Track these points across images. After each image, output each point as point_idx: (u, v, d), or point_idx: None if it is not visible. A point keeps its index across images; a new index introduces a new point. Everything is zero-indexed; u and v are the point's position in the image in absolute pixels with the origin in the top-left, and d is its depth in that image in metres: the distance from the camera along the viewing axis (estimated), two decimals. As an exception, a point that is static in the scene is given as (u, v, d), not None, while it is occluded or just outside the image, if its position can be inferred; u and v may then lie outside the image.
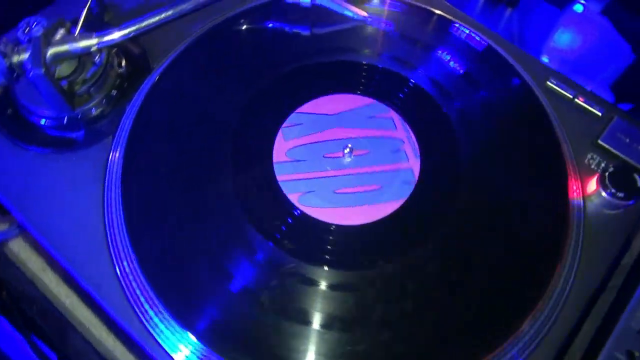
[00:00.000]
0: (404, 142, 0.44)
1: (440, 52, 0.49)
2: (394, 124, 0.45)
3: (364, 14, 0.50)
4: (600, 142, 0.44)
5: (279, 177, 0.43)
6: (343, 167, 0.44)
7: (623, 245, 0.41)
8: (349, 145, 0.44)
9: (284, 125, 0.46)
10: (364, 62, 0.49)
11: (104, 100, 0.45)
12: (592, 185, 0.42)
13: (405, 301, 0.38)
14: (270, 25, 0.51)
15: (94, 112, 0.45)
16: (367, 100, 0.47)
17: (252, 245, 0.39)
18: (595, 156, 0.44)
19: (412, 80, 0.47)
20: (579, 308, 0.38)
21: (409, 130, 0.45)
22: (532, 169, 0.43)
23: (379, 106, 0.46)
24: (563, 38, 0.66)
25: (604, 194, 0.41)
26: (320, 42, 0.50)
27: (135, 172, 0.42)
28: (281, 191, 0.42)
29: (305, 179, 0.43)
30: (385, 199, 0.42)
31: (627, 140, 0.44)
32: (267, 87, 0.47)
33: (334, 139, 0.45)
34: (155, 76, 0.47)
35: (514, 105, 0.46)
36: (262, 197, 0.42)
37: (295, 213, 0.41)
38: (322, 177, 0.43)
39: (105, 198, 0.42)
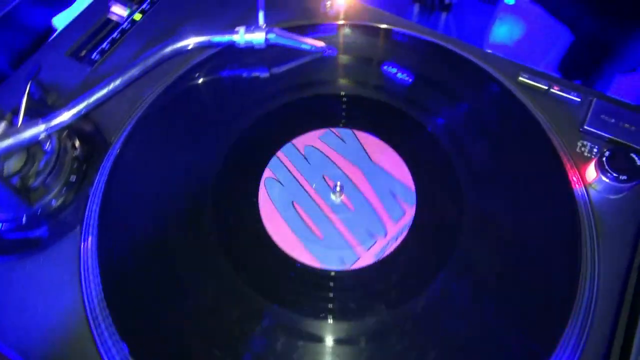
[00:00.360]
0: (385, 237, 0.39)
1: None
2: (401, 217, 0.40)
3: (321, 44, 0.48)
4: (586, 127, 0.43)
5: (278, 153, 0.44)
6: (323, 196, 0.42)
7: (638, 229, 0.39)
8: (340, 185, 0.41)
9: (333, 128, 0.45)
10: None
11: (64, 189, 0.41)
12: (592, 173, 0.40)
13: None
14: (227, 72, 0.48)
15: (55, 203, 0.41)
16: (409, 182, 0.42)
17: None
18: (585, 143, 0.43)
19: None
20: (612, 304, 0.36)
21: (403, 235, 0.39)
22: (528, 172, 0.41)
23: (410, 193, 0.41)
24: (501, 31, 0.67)
25: (605, 179, 0.39)
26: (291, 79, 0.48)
27: (113, 259, 0.39)
28: (266, 164, 0.43)
29: (291, 172, 0.43)
30: (311, 249, 0.39)
31: (612, 120, 0.43)
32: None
33: (344, 174, 0.43)
34: (114, 151, 0.44)
35: (497, 112, 0.45)
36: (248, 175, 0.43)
37: (255, 182, 0.42)
38: (301, 185, 0.42)
39: (85, 294, 0.37)
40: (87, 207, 0.41)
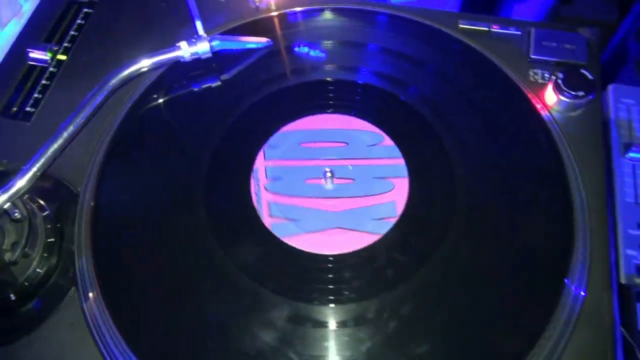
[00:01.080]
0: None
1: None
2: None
3: (264, 40, 0.47)
4: (533, 57, 0.46)
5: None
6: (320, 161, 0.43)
7: (604, 133, 0.42)
8: (330, 173, 0.41)
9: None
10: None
11: (45, 253, 0.38)
12: (551, 96, 0.43)
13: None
14: (182, 86, 0.47)
15: (41, 271, 0.38)
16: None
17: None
18: (536, 71, 0.45)
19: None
20: (603, 211, 0.39)
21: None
22: (497, 111, 0.43)
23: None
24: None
25: (565, 99, 0.42)
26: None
27: (124, 311, 0.37)
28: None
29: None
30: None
31: (554, 44, 0.46)
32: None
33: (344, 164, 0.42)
34: (85, 200, 0.41)
35: (455, 65, 0.46)
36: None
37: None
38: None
39: (106, 355, 0.35)
40: (76, 264, 0.39)
